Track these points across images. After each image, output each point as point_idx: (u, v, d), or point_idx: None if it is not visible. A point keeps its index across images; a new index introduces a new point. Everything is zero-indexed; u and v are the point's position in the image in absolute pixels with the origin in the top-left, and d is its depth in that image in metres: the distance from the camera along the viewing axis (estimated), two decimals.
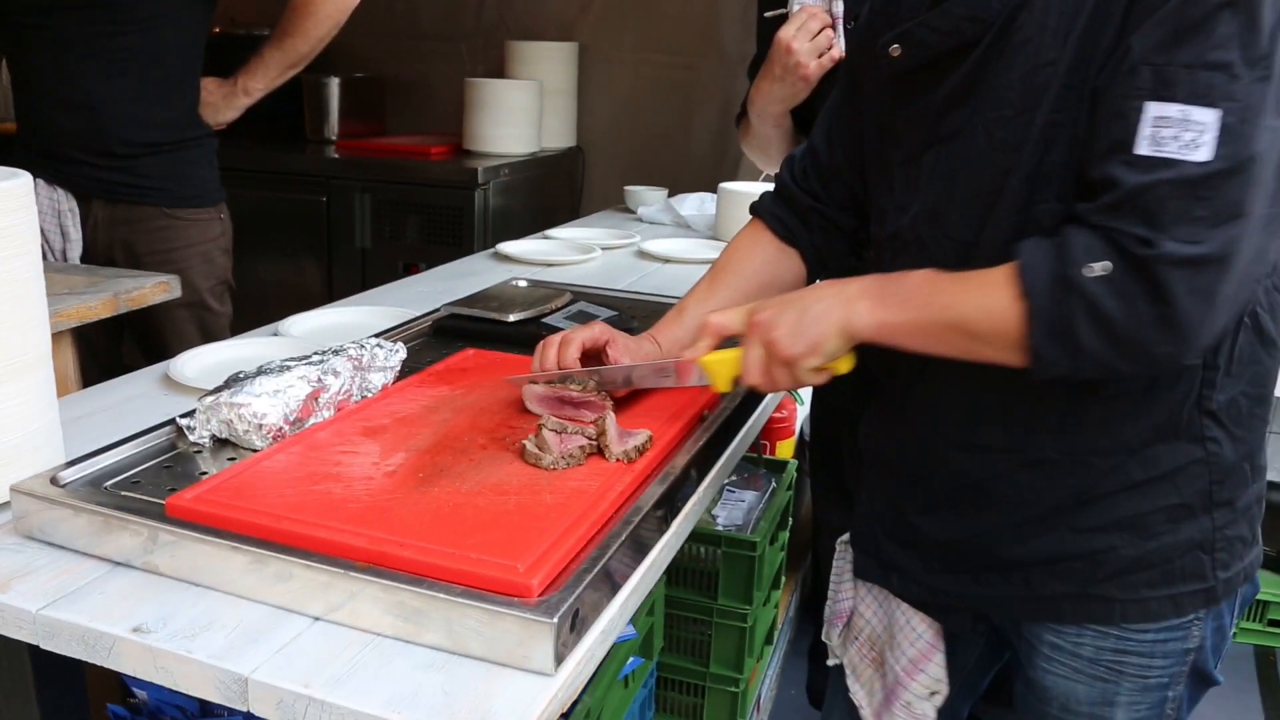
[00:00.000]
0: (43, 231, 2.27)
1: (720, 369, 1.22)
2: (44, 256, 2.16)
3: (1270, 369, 1.07)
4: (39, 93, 2.33)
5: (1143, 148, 0.89)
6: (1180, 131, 0.88)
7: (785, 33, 1.74)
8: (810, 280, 1.38)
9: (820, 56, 1.73)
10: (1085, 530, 1.07)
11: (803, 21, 1.73)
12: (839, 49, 1.73)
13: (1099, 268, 0.90)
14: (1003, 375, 0.99)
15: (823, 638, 1.40)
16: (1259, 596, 2.86)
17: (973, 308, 0.99)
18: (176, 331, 2.40)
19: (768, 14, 1.81)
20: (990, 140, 1.02)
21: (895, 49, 1.09)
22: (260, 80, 2.49)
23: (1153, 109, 0.89)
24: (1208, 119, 0.87)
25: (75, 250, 2.32)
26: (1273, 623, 2.86)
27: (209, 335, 2.48)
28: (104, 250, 2.38)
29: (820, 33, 1.73)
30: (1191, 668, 1.12)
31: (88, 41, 2.28)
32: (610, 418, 1.19)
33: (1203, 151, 0.87)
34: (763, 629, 2.19)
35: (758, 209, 1.40)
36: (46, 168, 2.28)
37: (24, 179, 1.10)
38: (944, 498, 1.15)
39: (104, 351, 2.45)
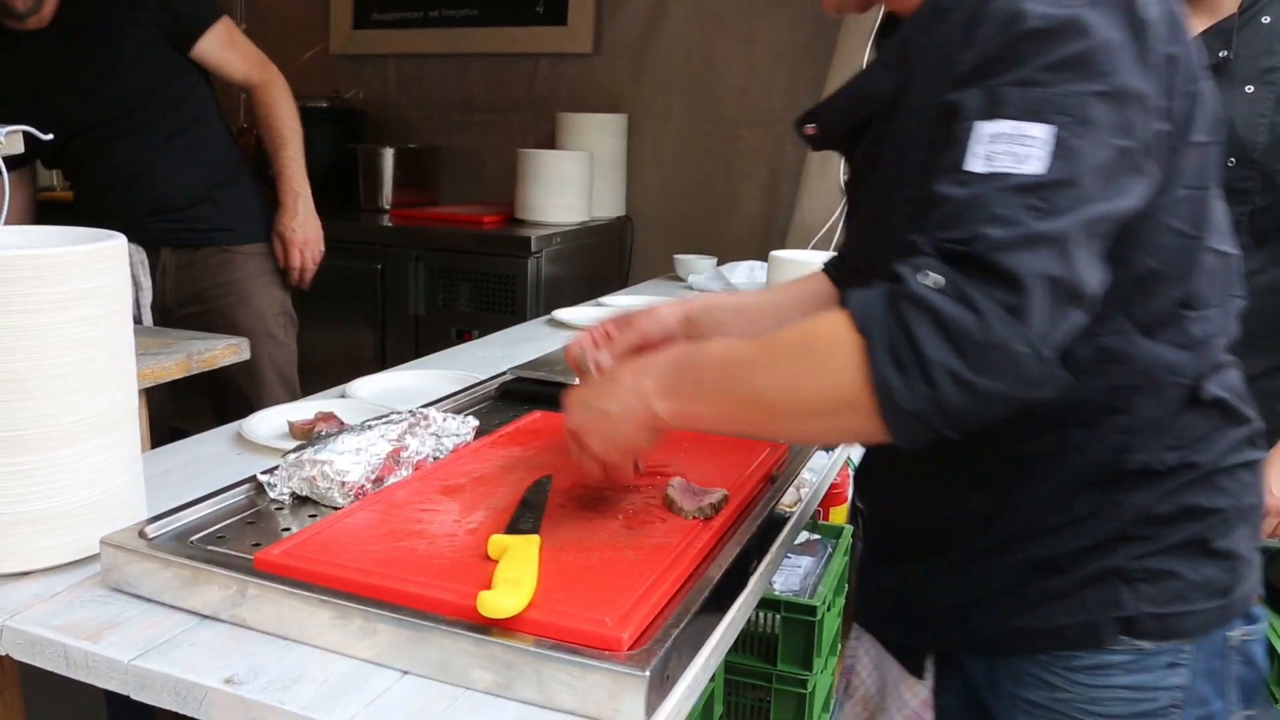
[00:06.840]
0: None
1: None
2: None
3: (1195, 423, 1.04)
4: (97, 178, 2.59)
5: (976, 165, 0.86)
6: (1012, 146, 0.85)
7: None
8: None
9: None
10: (1009, 570, 1.06)
11: None
12: None
13: (932, 279, 0.84)
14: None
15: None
16: None
17: (793, 374, 0.92)
18: (245, 366, 2.52)
19: None
20: (895, 213, 1.02)
21: (810, 127, 1.15)
22: (300, 178, 2.73)
23: (985, 128, 0.87)
24: (1041, 134, 0.85)
25: (146, 297, 2.51)
26: None
27: (277, 369, 2.62)
28: (173, 292, 2.61)
29: None
30: None
31: (140, 131, 2.53)
32: (678, 480, 1.22)
33: (1033, 164, 0.84)
34: (821, 695, 2.16)
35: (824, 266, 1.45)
36: (114, 229, 2.45)
37: (118, 240, 1.14)
38: (900, 550, 1.18)
39: (164, 400, 2.58)
